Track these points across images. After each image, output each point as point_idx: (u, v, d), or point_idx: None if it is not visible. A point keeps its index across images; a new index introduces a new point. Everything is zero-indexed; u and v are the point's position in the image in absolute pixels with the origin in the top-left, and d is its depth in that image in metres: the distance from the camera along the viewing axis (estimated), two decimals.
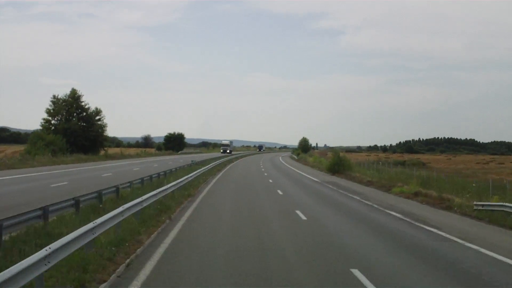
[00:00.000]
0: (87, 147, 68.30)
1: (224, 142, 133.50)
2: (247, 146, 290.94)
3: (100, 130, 72.41)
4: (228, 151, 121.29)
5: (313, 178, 41.73)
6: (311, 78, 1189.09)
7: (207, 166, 43.20)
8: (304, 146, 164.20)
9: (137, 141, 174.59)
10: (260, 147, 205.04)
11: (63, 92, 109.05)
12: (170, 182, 22.49)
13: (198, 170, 34.95)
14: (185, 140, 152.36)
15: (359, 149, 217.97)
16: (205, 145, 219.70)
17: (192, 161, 48.16)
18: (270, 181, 36.04)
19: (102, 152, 73.03)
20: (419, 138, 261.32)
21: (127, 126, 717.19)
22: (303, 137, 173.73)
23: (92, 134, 70.12)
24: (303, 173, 50.34)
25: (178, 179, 25.08)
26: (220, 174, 42.78)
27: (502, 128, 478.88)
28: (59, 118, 70.10)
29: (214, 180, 34.50)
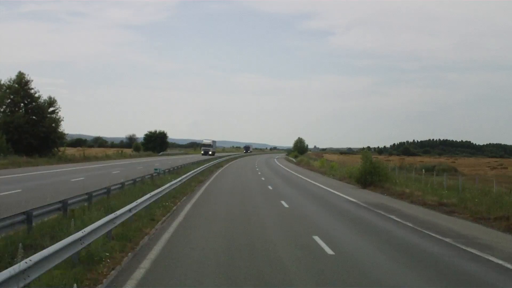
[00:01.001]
0: (36, 147, 53.48)
1: (205, 141, 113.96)
2: (237, 147, 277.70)
3: (53, 125, 57.07)
4: (210, 152, 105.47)
5: (345, 196, 27.38)
6: (300, 78, 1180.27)
7: (182, 177, 27.87)
8: (300, 148, 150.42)
9: (122, 141, 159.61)
10: (246, 148, 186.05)
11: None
12: (70, 234, 8.28)
13: (163, 187, 20.31)
14: (170, 140, 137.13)
15: (350, 151, 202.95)
16: (192, 146, 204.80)
17: (155, 170, 31.21)
18: (286, 205, 21.49)
19: (60, 153, 58.39)
20: (414, 140, 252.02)
21: (114, 126, 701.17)
22: (299, 138, 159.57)
23: (43, 130, 54.89)
24: (322, 186, 35.87)
25: (100, 218, 10.77)
26: (201, 190, 27.60)
27: (497, 130, 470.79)
28: (1, 110, 55.29)
29: (186, 209, 19.57)
